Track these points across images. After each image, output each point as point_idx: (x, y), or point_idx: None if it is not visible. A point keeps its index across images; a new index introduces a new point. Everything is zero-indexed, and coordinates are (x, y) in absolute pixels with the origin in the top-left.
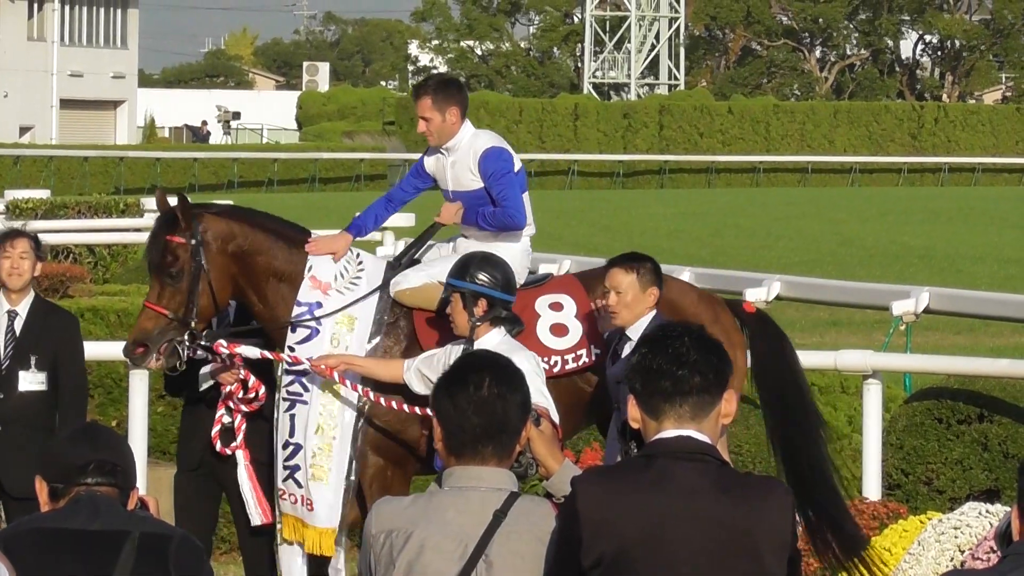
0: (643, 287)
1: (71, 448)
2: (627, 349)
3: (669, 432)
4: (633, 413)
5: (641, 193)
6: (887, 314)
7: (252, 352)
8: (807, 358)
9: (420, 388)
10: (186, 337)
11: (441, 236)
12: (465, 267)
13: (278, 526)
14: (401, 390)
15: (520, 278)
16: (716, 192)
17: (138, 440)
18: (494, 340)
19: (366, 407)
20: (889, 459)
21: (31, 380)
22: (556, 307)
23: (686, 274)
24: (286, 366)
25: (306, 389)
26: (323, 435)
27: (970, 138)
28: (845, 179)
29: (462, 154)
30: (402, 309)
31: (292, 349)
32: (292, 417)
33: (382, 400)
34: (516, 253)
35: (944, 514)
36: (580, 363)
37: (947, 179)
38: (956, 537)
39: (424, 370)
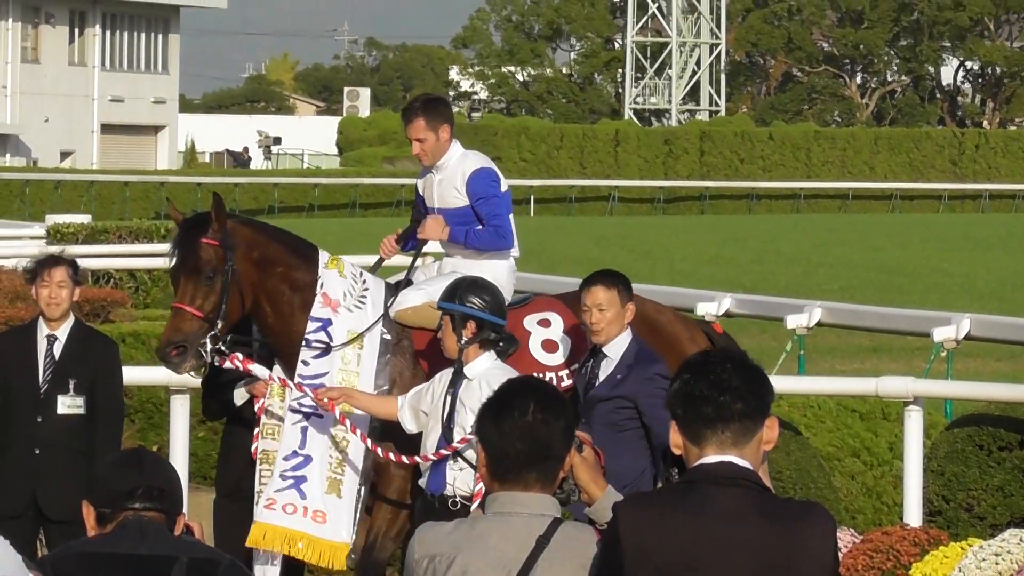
0: (622, 303)
1: (118, 473)
2: (604, 367)
3: (711, 458)
4: (675, 439)
5: (682, 219)
6: (928, 341)
7: (262, 372)
8: (848, 384)
9: (412, 427)
10: (208, 340)
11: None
12: (454, 290)
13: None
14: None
15: (507, 298)
16: (757, 218)
17: (179, 465)
18: (484, 364)
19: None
20: (930, 485)
21: (69, 404)
22: (544, 324)
23: (727, 300)
24: (292, 387)
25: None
26: (339, 449)
27: (1011, 165)
28: (886, 206)
29: (450, 172)
30: (403, 329)
31: (306, 363)
32: (304, 429)
33: (379, 450)
34: (502, 273)
35: (985, 541)
36: (571, 382)
37: (988, 206)
38: (997, 564)
39: (414, 403)
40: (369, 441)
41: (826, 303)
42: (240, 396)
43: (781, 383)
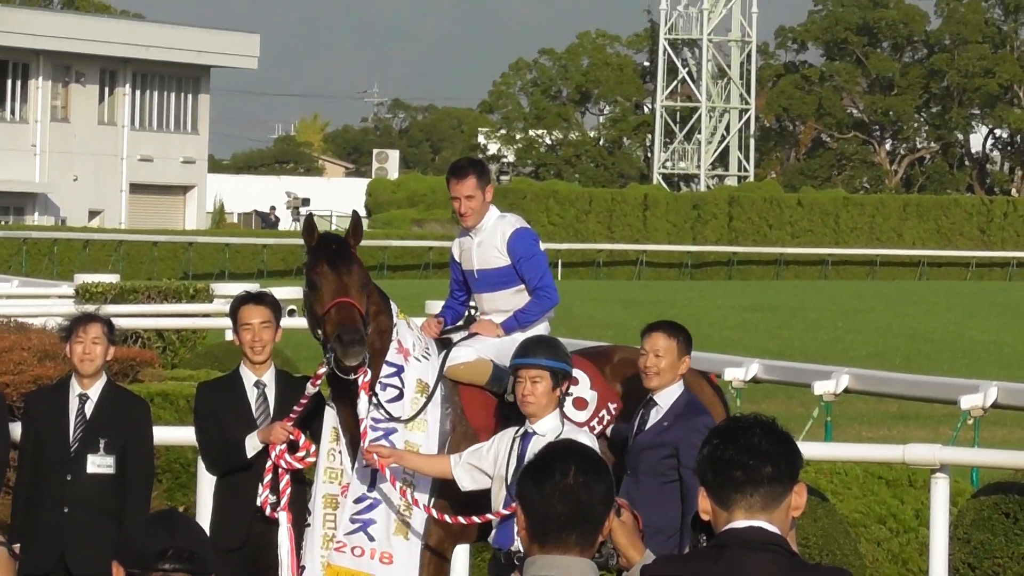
0: (679, 354)
1: (149, 534)
2: (653, 415)
3: (740, 523)
4: (703, 505)
5: (710, 284)
6: (955, 408)
7: (363, 407)
8: (875, 451)
9: (468, 483)
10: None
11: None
12: (535, 347)
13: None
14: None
15: None
16: (784, 284)
17: (206, 525)
18: (553, 422)
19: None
20: (956, 553)
21: (99, 463)
22: (573, 382)
23: (755, 366)
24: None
25: (394, 446)
26: (408, 493)
27: None
28: (914, 272)
29: (488, 234)
30: (454, 384)
31: (379, 407)
32: (374, 472)
33: (433, 512)
34: (541, 331)
35: None
36: (604, 424)
37: (1016, 273)
38: None
39: (473, 461)
40: (420, 504)
41: (853, 369)
42: (252, 447)
43: (808, 449)
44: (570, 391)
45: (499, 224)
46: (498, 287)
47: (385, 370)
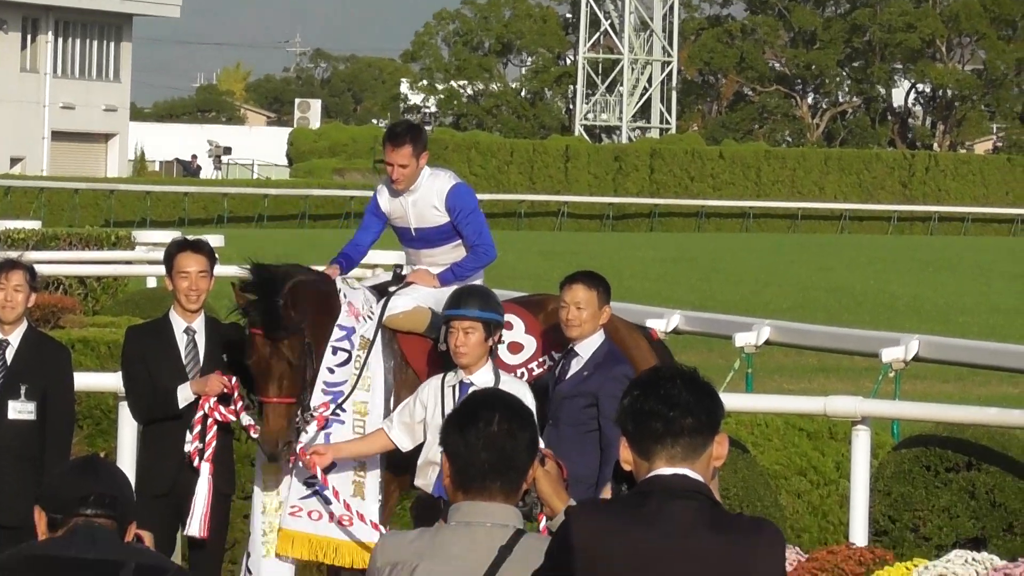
0: (599, 304)
1: (71, 480)
2: (574, 365)
3: (664, 470)
4: (624, 455)
5: (631, 236)
6: (876, 361)
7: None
8: (796, 403)
9: (407, 443)
10: (300, 413)
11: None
12: (467, 298)
13: (262, 539)
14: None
15: None
16: (706, 236)
17: (126, 471)
18: (488, 370)
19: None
20: (876, 505)
21: (20, 410)
22: (507, 326)
23: (676, 317)
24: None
25: (343, 410)
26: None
27: (960, 188)
28: (835, 226)
29: (423, 192)
30: (393, 334)
31: (331, 371)
32: (328, 436)
33: (340, 497)
34: (476, 280)
35: (931, 561)
36: (544, 368)
37: (937, 228)
38: None
39: (405, 419)
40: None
41: (775, 322)
42: (184, 398)
43: (729, 401)
44: (502, 339)
45: (433, 182)
46: (436, 244)
47: (336, 333)
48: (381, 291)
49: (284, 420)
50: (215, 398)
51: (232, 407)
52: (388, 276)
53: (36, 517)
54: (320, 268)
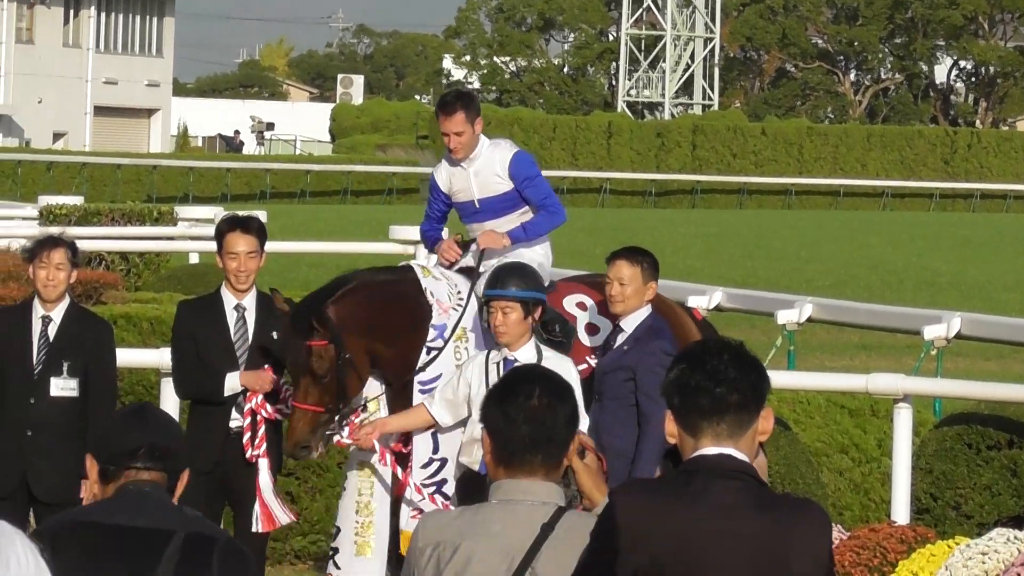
0: (644, 280)
1: (122, 430)
2: (619, 339)
3: (710, 449)
4: (670, 428)
5: (673, 212)
6: (918, 339)
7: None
8: (838, 380)
9: (448, 419)
10: (336, 420)
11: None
12: (506, 277)
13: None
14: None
15: (545, 279)
16: (748, 213)
17: None
18: (531, 347)
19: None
20: (918, 483)
21: (63, 386)
22: (582, 307)
23: (718, 294)
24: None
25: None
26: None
27: (1003, 164)
28: (877, 203)
29: (484, 162)
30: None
31: (422, 370)
32: (435, 435)
33: (399, 472)
34: (540, 256)
35: (972, 539)
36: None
37: (979, 205)
38: (984, 563)
39: (447, 396)
40: (400, 471)
41: (817, 299)
42: (231, 388)
43: (771, 378)
44: (545, 315)
45: (494, 151)
46: (501, 212)
47: (431, 334)
48: (468, 272)
49: (307, 427)
50: (262, 395)
51: (278, 405)
52: (470, 257)
53: (88, 465)
54: (368, 244)
